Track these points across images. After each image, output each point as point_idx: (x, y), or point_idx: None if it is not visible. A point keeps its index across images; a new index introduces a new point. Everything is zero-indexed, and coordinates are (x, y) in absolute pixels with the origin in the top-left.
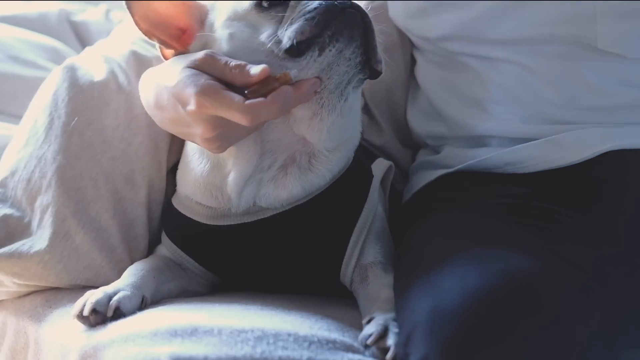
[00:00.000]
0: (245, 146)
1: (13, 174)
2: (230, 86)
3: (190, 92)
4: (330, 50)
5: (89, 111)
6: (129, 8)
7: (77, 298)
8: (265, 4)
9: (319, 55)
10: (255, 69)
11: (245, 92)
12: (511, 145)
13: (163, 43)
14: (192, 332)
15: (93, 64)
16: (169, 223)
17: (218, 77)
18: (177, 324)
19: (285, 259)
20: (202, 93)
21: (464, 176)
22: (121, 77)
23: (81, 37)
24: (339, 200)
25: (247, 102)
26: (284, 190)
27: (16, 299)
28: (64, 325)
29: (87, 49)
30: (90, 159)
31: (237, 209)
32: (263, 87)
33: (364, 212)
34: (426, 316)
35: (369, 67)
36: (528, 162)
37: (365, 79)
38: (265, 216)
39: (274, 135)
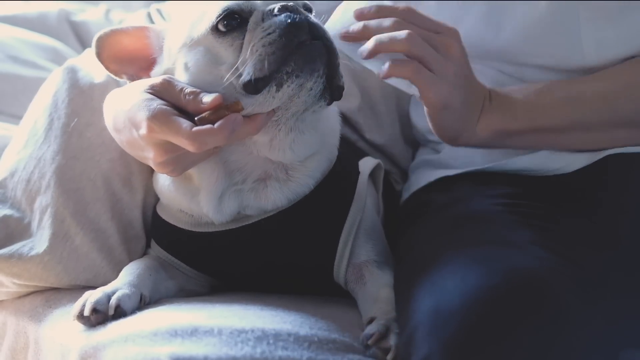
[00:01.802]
0: (209, 169)
1: (12, 174)
2: (186, 112)
3: (142, 116)
4: (288, 86)
5: (88, 112)
6: (97, 54)
7: (77, 298)
8: (222, 28)
9: (277, 91)
10: (208, 97)
11: (196, 119)
12: None
13: (132, 77)
14: (192, 332)
15: (93, 66)
16: (156, 231)
17: (173, 103)
18: (177, 324)
19: (275, 261)
20: (153, 117)
21: (464, 176)
22: (121, 80)
23: (81, 37)
24: (325, 201)
25: (194, 129)
26: (267, 202)
27: (16, 299)
28: (64, 325)
29: (88, 50)
30: (89, 160)
31: (220, 222)
32: (214, 114)
33: (352, 212)
34: (428, 316)
35: (330, 90)
36: (529, 172)
37: (325, 103)
38: (250, 222)
39: (236, 157)
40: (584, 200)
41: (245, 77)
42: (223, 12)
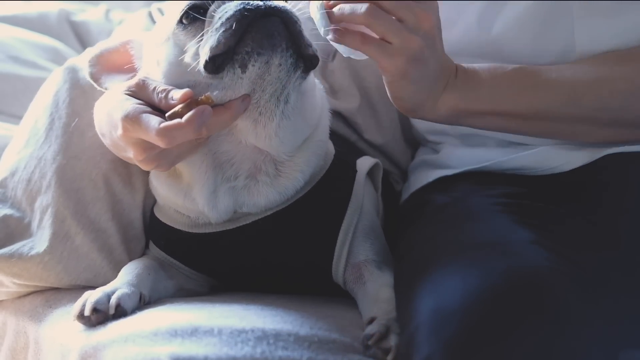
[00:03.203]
0: (198, 161)
1: (13, 174)
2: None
3: (117, 117)
4: (253, 65)
5: (89, 112)
6: (91, 74)
7: (77, 298)
8: (185, 21)
9: (243, 72)
10: (178, 93)
11: (166, 115)
12: (508, 145)
13: None
14: (192, 332)
15: None
16: (154, 232)
17: (149, 102)
18: (177, 324)
19: (273, 262)
20: (126, 117)
21: (464, 176)
22: None
23: (81, 37)
24: (321, 201)
25: (162, 125)
26: (260, 197)
27: (16, 299)
28: (64, 325)
29: (88, 49)
30: (90, 160)
31: (217, 220)
32: (184, 109)
33: (349, 211)
34: (429, 316)
35: (302, 59)
36: (528, 170)
37: (304, 74)
38: (247, 222)
39: (225, 147)
40: (583, 199)
41: (203, 59)
42: (186, 6)
